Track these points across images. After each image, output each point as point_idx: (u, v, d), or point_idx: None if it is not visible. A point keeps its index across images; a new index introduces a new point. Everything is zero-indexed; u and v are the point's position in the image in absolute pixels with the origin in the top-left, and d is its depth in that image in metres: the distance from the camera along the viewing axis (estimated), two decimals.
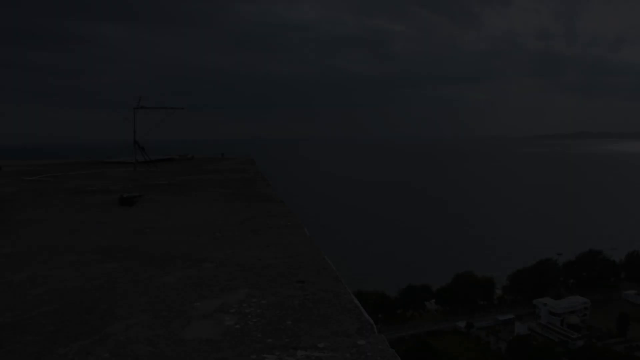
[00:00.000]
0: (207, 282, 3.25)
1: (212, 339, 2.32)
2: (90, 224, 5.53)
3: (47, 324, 2.55)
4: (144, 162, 13.22)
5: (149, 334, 2.39)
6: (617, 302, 79.73)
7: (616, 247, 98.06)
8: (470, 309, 78.39)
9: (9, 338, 2.36)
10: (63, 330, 2.46)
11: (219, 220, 5.57)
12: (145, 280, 3.32)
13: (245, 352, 2.16)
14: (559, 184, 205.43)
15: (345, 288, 3.07)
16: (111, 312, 2.70)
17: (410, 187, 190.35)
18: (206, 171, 12.31)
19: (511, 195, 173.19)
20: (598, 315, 74.74)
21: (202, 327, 2.46)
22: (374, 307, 68.18)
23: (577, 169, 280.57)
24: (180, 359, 2.11)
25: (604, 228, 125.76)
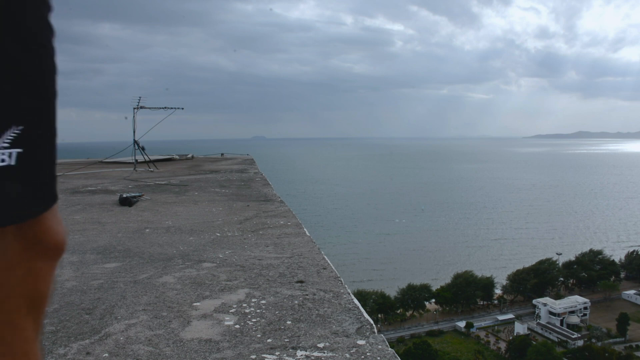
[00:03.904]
0: (207, 282, 3.25)
1: (212, 339, 2.32)
2: (90, 224, 5.52)
3: (47, 324, 2.55)
4: (144, 162, 13.21)
5: (149, 334, 2.39)
6: (617, 302, 79.75)
7: (621, 247, 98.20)
8: (470, 309, 78.47)
9: None
10: (63, 330, 2.46)
11: (218, 220, 5.57)
12: (145, 280, 3.32)
13: (245, 352, 2.16)
14: (559, 183, 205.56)
15: (345, 288, 3.07)
16: (111, 312, 2.70)
17: (409, 187, 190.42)
18: (206, 171, 12.30)
19: (510, 195, 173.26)
20: (598, 315, 74.75)
21: (202, 327, 2.47)
22: (374, 307, 68.19)
23: (576, 169, 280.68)
24: (180, 359, 2.12)
25: (604, 228, 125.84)
